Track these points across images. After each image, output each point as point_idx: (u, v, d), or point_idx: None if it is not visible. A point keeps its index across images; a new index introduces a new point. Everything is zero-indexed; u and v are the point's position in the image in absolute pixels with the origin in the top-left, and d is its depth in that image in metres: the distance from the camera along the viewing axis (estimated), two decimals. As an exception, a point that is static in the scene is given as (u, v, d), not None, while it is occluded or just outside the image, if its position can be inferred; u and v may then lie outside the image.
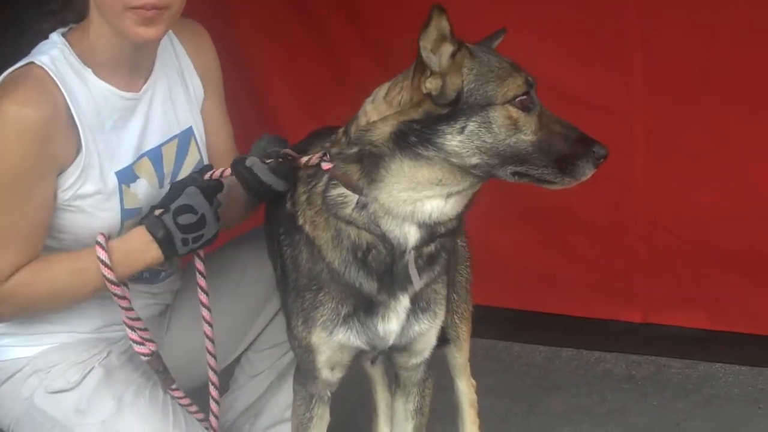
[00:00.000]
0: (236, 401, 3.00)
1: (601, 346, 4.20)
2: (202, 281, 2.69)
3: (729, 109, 3.97)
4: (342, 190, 2.36)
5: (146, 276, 2.80)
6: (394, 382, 2.72)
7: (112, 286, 2.51)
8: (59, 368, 2.68)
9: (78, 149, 2.52)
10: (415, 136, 2.26)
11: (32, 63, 2.51)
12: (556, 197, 4.14)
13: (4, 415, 2.70)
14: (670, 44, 3.99)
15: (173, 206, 2.50)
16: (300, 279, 2.47)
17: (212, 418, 2.74)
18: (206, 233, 2.52)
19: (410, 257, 2.37)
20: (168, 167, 2.73)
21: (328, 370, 2.53)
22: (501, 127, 2.22)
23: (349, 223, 2.36)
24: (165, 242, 2.51)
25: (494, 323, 4.21)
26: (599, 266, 4.29)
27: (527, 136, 2.23)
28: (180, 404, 2.73)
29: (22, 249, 2.51)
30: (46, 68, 2.50)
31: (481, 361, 3.98)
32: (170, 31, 2.71)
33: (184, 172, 2.74)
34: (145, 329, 2.62)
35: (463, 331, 3.19)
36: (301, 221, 2.44)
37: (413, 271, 2.39)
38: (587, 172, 2.26)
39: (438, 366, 3.20)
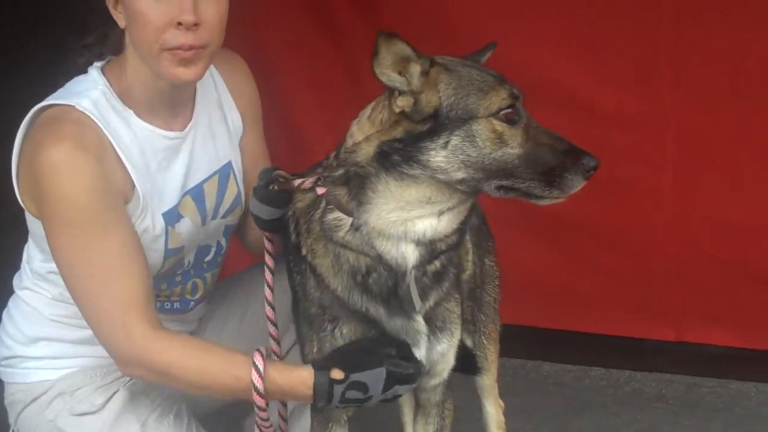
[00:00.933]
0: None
1: (632, 365, 4.15)
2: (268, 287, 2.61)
3: (761, 121, 3.94)
4: (337, 214, 2.34)
5: (177, 307, 2.79)
6: (414, 404, 2.67)
7: (260, 411, 2.42)
8: (84, 391, 2.66)
9: (132, 187, 2.50)
10: (398, 155, 2.23)
11: (72, 107, 2.46)
12: (586, 213, 4.20)
13: (29, 438, 2.69)
14: (700, 56, 3.96)
15: (351, 379, 2.32)
16: (311, 308, 2.44)
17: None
18: (363, 405, 2.41)
19: (411, 277, 2.33)
20: (210, 203, 2.71)
21: None
22: (485, 141, 2.18)
23: (344, 246, 2.33)
24: (319, 402, 2.39)
25: (523, 342, 4.17)
26: (629, 283, 4.25)
27: (513, 149, 2.19)
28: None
29: (128, 285, 2.42)
30: (88, 113, 2.45)
31: (510, 381, 3.95)
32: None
33: (224, 206, 2.72)
34: (271, 426, 2.53)
35: (491, 352, 3.16)
36: (304, 251, 2.41)
37: (414, 291, 2.35)
38: (576, 185, 2.20)
39: (466, 388, 3.19)
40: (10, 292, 2.76)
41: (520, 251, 4.17)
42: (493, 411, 3.26)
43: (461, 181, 2.22)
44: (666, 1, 3.95)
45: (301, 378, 2.37)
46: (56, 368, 2.67)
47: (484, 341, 3.13)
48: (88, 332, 2.62)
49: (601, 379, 4.13)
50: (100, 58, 2.58)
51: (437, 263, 2.37)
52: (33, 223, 2.58)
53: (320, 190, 2.37)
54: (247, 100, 2.82)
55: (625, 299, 4.25)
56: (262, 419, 2.46)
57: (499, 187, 2.22)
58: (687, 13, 3.93)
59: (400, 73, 2.22)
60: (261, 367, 2.37)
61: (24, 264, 2.72)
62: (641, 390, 4.04)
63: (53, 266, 2.57)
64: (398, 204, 2.26)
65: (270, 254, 2.60)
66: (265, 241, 2.61)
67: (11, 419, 2.74)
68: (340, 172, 2.33)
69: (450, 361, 2.53)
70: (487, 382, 3.20)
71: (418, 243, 2.30)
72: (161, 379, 2.50)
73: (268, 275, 2.60)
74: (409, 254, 2.31)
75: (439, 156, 2.20)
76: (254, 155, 2.82)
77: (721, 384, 4.00)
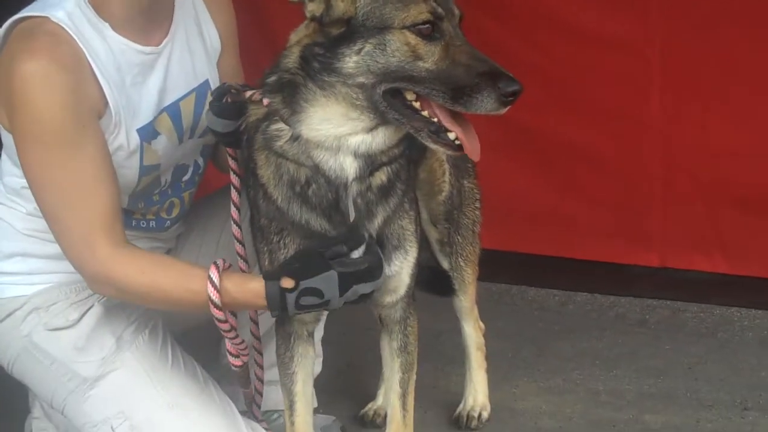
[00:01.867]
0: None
1: (616, 291, 4.16)
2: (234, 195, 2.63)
3: (747, 44, 3.89)
4: (280, 125, 2.35)
5: (153, 226, 2.80)
6: (378, 322, 2.69)
7: (220, 323, 2.45)
8: (59, 306, 2.68)
9: (105, 103, 2.48)
10: (317, 62, 2.26)
11: (47, 18, 2.44)
12: (571, 137, 4.18)
13: (3, 352, 2.71)
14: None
15: (302, 285, 2.33)
16: (261, 220, 2.47)
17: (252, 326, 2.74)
18: (327, 309, 2.44)
19: (351, 190, 2.34)
20: (186, 122, 2.70)
21: None
22: (395, 51, 2.21)
23: (283, 156, 2.35)
24: (276, 311, 2.41)
25: (508, 267, 4.22)
26: (615, 208, 4.25)
27: (426, 64, 2.21)
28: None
29: (95, 204, 2.44)
30: (63, 25, 2.43)
31: (494, 305, 4.00)
32: None
33: (201, 126, 2.71)
34: (242, 343, 2.56)
35: (469, 274, 3.16)
36: (251, 163, 2.44)
37: (349, 204, 2.36)
38: (483, 107, 2.17)
39: (448, 309, 3.20)
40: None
41: (505, 176, 4.17)
42: (472, 332, 3.27)
43: (359, 86, 2.23)
44: None
45: (254, 290, 2.39)
46: (31, 284, 2.68)
47: (461, 263, 3.13)
48: (61, 247, 2.64)
49: (585, 303, 4.14)
50: None
51: (382, 176, 2.38)
52: (6, 138, 2.58)
53: (266, 101, 2.37)
54: (224, 20, 2.80)
55: (610, 224, 4.25)
56: (225, 331, 2.48)
57: (386, 92, 2.22)
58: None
59: None
60: (216, 281, 2.39)
61: (-3, 180, 2.72)
62: (624, 315, 4.04)
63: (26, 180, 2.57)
64: (325, 116, 2.28)
65: (234, 172, 2.61)
66: (228, 159, 2.62)
67: (-14, 334, 2.75)
68: (274, 78, 2.35)
69: (404, 279, 2.54)
70: (465, 303, 3.21)
71: (356, 155, 2.31)
72: (122, 295, 2.54)
73: (233, 194, 2.61)
74: (347, 165, 2.32)
75: (351, 61, 2.23)
76: (231, 77, 2.80)
77: (705, 309, 4.01)
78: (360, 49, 2.22)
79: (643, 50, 4.03)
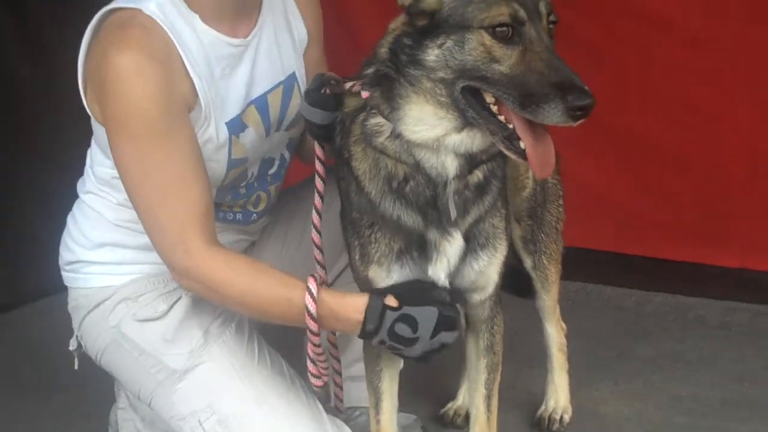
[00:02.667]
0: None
1: (696, 292, 4.09)
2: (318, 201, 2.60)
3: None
4: (379, 119, 2.33)
5: (239, 218, 2.79)
6: (465, 321, 2.66)
7: (312, 336, 2.43)
8: (147, 297, 2.67)
9: (195, 96, 2.48)
10: (405, 55, 2.26)
11: (139, 11, 2.43)
12: (656, 137, 4.11)
13: (92, 344, 2.72)
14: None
15: (404, 311, 2.34)
16: (353, 213, 2.45)
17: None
18: (405, 352, 2.41)
19: (450, 188, 2.33)
20: (274, 115, 2.68)
21: None
22: (472, 50, 2.19)
23: (383, 152, 2.34)
24: (367, 333, 2.39)
25: (586, 265, 4.13)
26: (695, 208, 4.17)
27: (501, 66, 2.18)
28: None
29: (188, 198, 2.43)
30: (155, 18, 2.42)
31: (571, 304, 3.92)
32: None
33: (288, 119, 2.70)
34: (325, 362, 2.55)
35: (552, 273, 3.12)
36: (345, 154, 2.42)
37: (451, 202, 2.34)
38: (549, 118, 2.12)
39: (528, 308, 3.16)
40: (75, 196, 2.77)
41: (587, 174, 4.11)
42: (554, 333, 3.23)
43: (441, 81, 2.22)
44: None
45: (354, 303, 2.38)
46: (120, 274, 2.68)
47: (545, 261, 3.09)
48: (150, 238, 2.64)
49: (664, 304, 4.07)
50: None
51: (479, 174, 2.36)
52: (98, 129, 2.58)
53: (365, 94, 2.35)
54: (311, 13, 2.79)
55: (689, 224, 4.17)
56: (314, 344, 2.46)
57: (463, 89, 2.20)
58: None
59: None
60: (314, 291, 2.38)
61: (87, 168, 2.73)
62: (704, 317, 3.98)
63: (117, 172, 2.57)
64: (420, 116, 2.26)
65: (320, 159, 2.57)
66: (315, 146, 2.58)
67: (75, 324, 2.77)
68: (372, 70, 2.34)
69: (493, 277, 2.51)
70: (548, 303, 3.17)
71: (457, 154, 2.29)
72: (213, 295, 2.52)
73: (318, 182, 2.58)
74: (449, 164, 2.30)
75: (433, 54, 2.22)
76: (315, 69, 2.77)
77: (786, 313, 3.92)
78: (442, 44, 2.22)
79: (733, 49, 3.94)
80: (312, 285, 2.39)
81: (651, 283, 4.16)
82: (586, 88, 2.11)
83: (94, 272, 2.70)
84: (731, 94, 4.00)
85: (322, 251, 2.62)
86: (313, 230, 2.61)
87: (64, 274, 2.78)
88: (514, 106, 2.16)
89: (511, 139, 2.21)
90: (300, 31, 2.76)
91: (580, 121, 2.11)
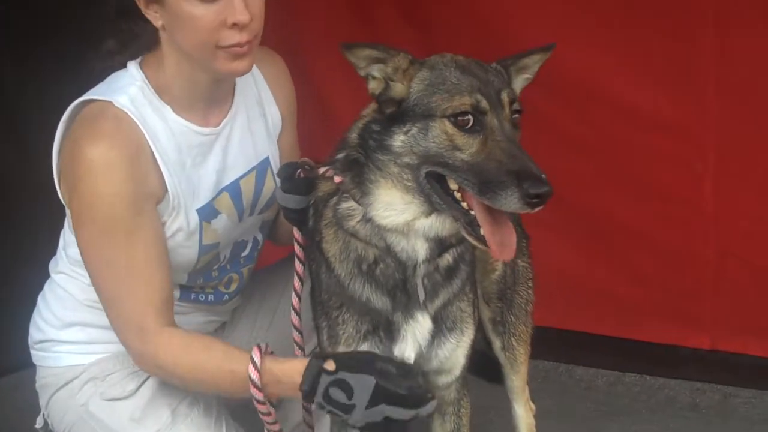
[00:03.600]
0: (291, 411, 2.97)
1: (665, 373, 4.12)
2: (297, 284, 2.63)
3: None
4: (351, 203, 2.39)
5: (211, 299, 2.81)
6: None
7: (259, 405, 2.45)
8: (115, 376, 2.69)
9: (164, 188, 2.52)
10: (373, 140, 2.33)
11: (111, 103, 2.49)
12: (623, 218, 4.17)
13: (59, 421, 2.72)
14: (743, 63, 3.91)
15: (339, 376, 2.33)
16: (323, 294, 2.48)
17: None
18: (347, 420, 2.37)
19: (420, 271, 2.37)
20: (247, 200, 2.72)
21: None
22: (435, 138, 2.26)
23: (354, 235, 2.38)
24: (304, 394, 2.38)
25: (556, 345, 4.17)
26: (666, 290, 4.21)
27: (462, 154, 2.24)
28: None
29: (147, 288, 2.47)
30: (125, 110, 2.48)
31: (542, 383, 3.96)
32: None
33: (262, 202, 2.74)
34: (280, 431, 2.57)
35: (521, 354, 3.13)
36: (317, 236, 2.46)
37: (419, 285, 2.38)
38: (506, 205, 2.17)
39: (498, 388, 3.17)
40: (46, 275, 2.80)
41: (557, 254, 4.15)
42: (523, 413, 3.22)
43: (406, 166, 2.27)
44: (709, 7, 3.90)
45: (295, 367, 2.40)
46: (89, 353, 2.70)
47: (514, 343, 3.10)
48: (122, 318, 2.66)
49: (634, 385, 4.10)
50: (132, 58, 2.59)
51: (449, 258, 2.41)
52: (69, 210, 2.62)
53: (337, 179, 2.41)
54: (286, 98, 2.84)
55: (661, 305, 4.22)
56: (263, 413, 2.47)
57: (428, 174, 2.26)
58: (730, 19, 3.88)
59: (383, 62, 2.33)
60: (258, 361, 2.40)
61: (60, 249, 2.76)
62: (675, 398, 4.00)
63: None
64: (388, 201, 2.31)
65: (298, 243, 2.61)
66: (294, 230, 2.61)
67: (42, 403, 2.77)
68: (342, 155, 2.40)
69: (459, 359, 2.53)
70: (517, 383, 3.17)
71: (427, 238, 2.34)
72: (166, 375, 2.57)
73: (298, 265, 2.62)
74: (419, 247, 2.35)
75: (399, 140, 2.29)
76: (288, 155, 2.83)
77: (757, 395, 3.95)
78: (408, 131, 2.29)
79: (698, 133, 4.04)
80: (256, 355, 2.41)
81: (621, 363, 4.19)
82: (543, 176, 2.16)
83: (63, 351, 2.72)
84: (698, 177, 4.07)
85: (301, 333, 2.66)
86: (293, 312, 2.64)
87: (33, 352, 2.79)
88: (473, 192, 2.21)
89: (472, 225, 2.25)
90: (274, 115, 2.80)
91: (537, 209, 2.16)
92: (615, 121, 4.11)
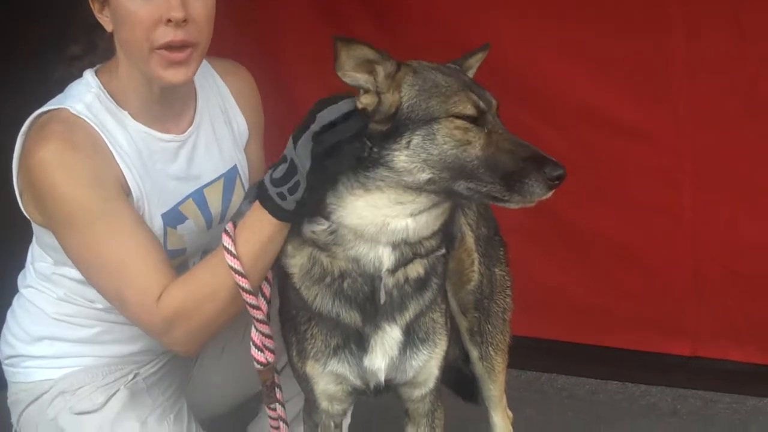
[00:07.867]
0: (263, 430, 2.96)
1: (647, 380, 4.11)
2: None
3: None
4: (316, 217, 2.33)
5: None
6: (404, 414, 2.65)
7: (239, 277, 2.36)
8: (85, 390, 2.68)
9: (128, 186, 2.51)
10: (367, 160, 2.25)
11: (65, 109, 2.49)
12: (603, 227, 4.17)
13: (29, 436, 2.71)
14: (717, 74, 3.91)
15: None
16: (291, 310, 2.45)
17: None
18: (300, 180, 2.25)
19: (385, 279, 2.33)
20: (215, 209, 2.72)
21: (327, 401, 2.49)
22: (445, 137, 2.21)
23: (319, 248, 2.33)
24: (264, 200, 2.32)
25: (538, 355, 4.17)
26: (646, 298, 4.20)
27: (474, 149, 2.21)
28: (271, 425, 2.61)
29: (148, 268, 2.42)
30: (81, 116, 2.47)
31: (524, 393, 3.95)
32: (212, 70, 2.73)
33: (231, 210, 2.72)
34: (270, 337, 2.48)
35: (499, 363, 3.11)
36: (282, 252, 2.41)
37: (382, 289, 2.34)
38: (536, 192, 2.18)
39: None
40: (15, 290, 2.79)
41: (538, 264, 4.17)
42: (500, 422, 3.21)
43: (429, 182, 2.23)
44: (678, 19, 3.91)
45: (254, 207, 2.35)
46: (58, 367, 2.69)
47: (491, 352, 3.09)
48: (91, 331, 2.67)
49: (616, 393, 4.09)
50: (91, 66, 2.59)
51: (420, 270, 2.38)
52: (38, 230, 2.62)
53: None
54: (251, 107, 2.84)
55: (642, 313, 4.21)
56: (258, 320, 2.41)
57: (468, 188, 2.23)
58: (701, 30, 3.89)
59: (370, 73, 2.25)
60: (230, 247, 2.35)
61: (28, 264, 2.75)
62: (656, 405, 3.99)
63: (58, 269, 2.61)
64: (368, 204, 2.26)
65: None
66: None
67: (13, 419, 2.77)
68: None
69: (433, 371, 2.51)
70: (495, 392, 3.16)
71: (394, 246, 2.30)
72: (196, 330, 2.44)
73: (265, 288, 2.49)
74: (384, 257, 2.31)
75: (402, 156, 2.22)
76: (255, 165, 2.84)
77: (737, 400, 3.94)
78: (408, 143, 2.22)
79: (675, 143, 4.03)
80: (227, 242, 2.35)
81: (603, 371, 4.18)
82: (554, 158, 2.19)
83: (33, 366, 2.71)
84: (675, 187, 4.07)
85: (271, 337, 2.61)
86: (262, 317, 2.54)
87: (4, 368, 2.78)
88: (501, 193, 2.19)
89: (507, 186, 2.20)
90: (240, 124, 2.81)
91: (552, 192, 2.18)
92: (592, 133, 4.10)
